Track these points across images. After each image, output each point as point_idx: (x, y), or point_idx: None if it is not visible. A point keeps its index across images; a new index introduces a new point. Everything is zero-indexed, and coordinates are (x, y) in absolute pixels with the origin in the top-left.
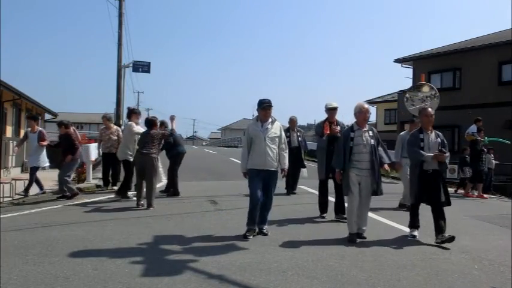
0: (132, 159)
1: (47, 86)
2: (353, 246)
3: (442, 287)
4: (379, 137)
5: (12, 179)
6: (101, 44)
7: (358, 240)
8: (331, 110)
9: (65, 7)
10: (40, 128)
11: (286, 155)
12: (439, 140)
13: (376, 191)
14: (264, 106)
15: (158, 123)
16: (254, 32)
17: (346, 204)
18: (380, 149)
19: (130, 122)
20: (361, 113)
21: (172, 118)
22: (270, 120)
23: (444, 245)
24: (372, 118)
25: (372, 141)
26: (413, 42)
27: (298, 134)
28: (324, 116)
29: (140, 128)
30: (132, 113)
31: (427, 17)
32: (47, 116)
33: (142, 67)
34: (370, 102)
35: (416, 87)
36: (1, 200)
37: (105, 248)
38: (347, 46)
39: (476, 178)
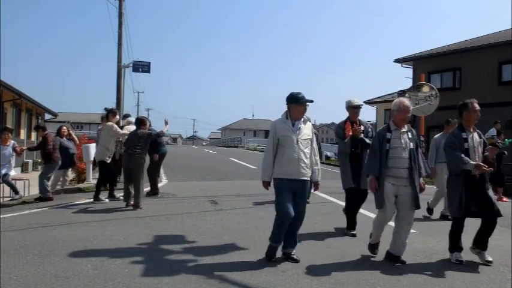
0: (109, 161)
1: (47, 86)
2: (353, 246)
3: (442, 287)
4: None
5: (12, 179)
6: (101, 44)
7: (397, 264)
8: (354, 109)
9: (65, 7)
10: (12, 141)
11: (319, 165)
12: (482, 139)
13: (415, 204)
14: (302, 101)
15: (148, 123)
16: (254, 32)
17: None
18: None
19: (110, 123)
20: (400, 112)
21: (166, 122)
22: (302, 118)
23: (443, 246)
24: (372, 118)
25: (412, 145)
26: (413, 42)
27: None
28: (328, 115)
29: (126, 130)
30: (110, 113)
31: (427, 17)
32: (47, 116)
33: (142, 67)
34: (370, 102)
35: (416, 87)
36: (1, 200)
37: (105, 248)
38: (347, 46)
39: (498, 181)
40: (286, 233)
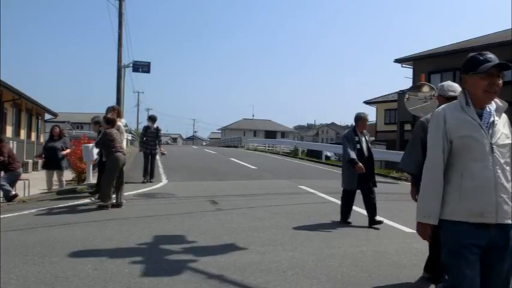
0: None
1: (47, 86)
2: (353, 246)
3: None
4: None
5: None
6: (101, 44)
7: None
8: (451, 99)
9: (65, 7)
10: None
11: None
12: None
13: None
14: (483, 68)
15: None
16: (255, 32)
17: None
18: None
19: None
20: None
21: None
22: (494, 105)
23: None
24: (372, 118)
25: None
26: (413, 42)
27: (366, 138)
28: (328, 115)
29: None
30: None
31: (428, 17)
32: (47, 116)
33: (142, 67)
34: (370, 102)
35: (416, 87)
36: (1, 200)
37: (105, 248)
38: (347, 46)
39: None
40: None
